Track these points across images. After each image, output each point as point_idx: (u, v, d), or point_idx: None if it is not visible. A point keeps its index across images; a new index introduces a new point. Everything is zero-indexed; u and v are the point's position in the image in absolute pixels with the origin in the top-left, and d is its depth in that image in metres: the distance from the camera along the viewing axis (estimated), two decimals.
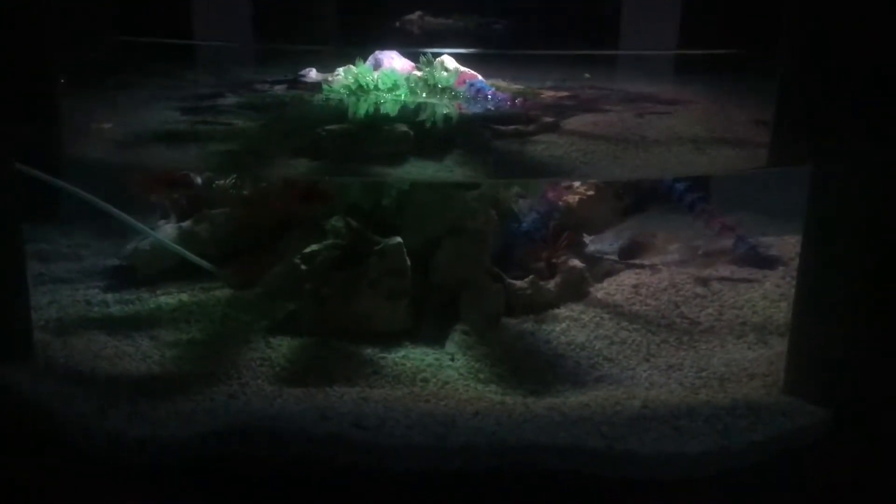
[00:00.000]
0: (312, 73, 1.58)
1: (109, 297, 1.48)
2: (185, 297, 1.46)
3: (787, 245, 1.72)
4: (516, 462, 1.01)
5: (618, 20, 1.77)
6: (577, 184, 1.52)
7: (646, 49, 1.54)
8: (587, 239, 1.60)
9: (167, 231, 1.52)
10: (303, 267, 1.32)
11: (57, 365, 1.22)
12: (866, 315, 1.12)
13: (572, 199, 1.51)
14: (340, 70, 1.42)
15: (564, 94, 1.49)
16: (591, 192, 1.52)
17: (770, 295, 1.53)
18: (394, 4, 1.79)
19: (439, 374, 1.24)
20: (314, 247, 1.33)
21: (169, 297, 1.47)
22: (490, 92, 1.39)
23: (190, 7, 1.71)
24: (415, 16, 1.82)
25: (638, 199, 1.57)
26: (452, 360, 1.28)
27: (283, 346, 1.28)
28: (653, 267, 1.62)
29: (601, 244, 1.68)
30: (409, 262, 1.31)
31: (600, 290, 1.52)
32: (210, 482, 1.01)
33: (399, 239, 1.30)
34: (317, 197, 1.35)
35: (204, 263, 1.49)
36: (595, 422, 1.09)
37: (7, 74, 1.11)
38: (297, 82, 1.53)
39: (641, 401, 1.17)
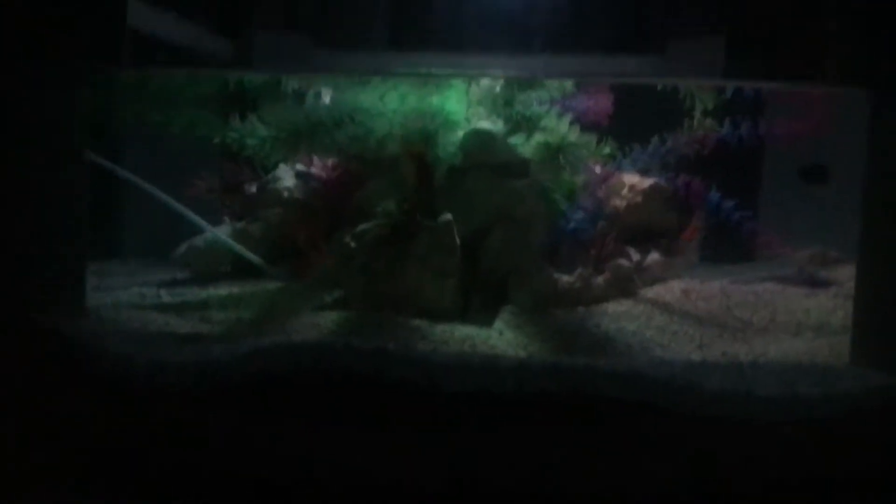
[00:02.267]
0: None
1: (163, 291, 1.50)
2: (235, 289, 1.48)
3: (840, 272, 1.69)
4: (571, 386, 0.97)
5: None
6: (623, 190, 1.54)
7: None
8: (633, 251, 1.59)
9: (222, 231, 1.56)
10: (352, 245, 1.33)
11: (108, 322, 1.23)
12: None
13: (620, 202, 1.52)
14: None
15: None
16: (638, 199, 1.53)
17: (825, 305, 1.49)
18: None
19: (488, 342, 1.22)
20: (364, 225, 1.35)
21: (220, 290, 1.49)
22: None
23: None
24: None
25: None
26: (501, 334, 1.25)
27: (331, 317, 1.28)
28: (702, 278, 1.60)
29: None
30: (458, 241, 1.32)
31: (649, 292, 1.50)
32: (253, 400, 0.98)
33: (449, 216, 1.31)
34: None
35: (255, 258, 1.51)
36: (653, 365, 1.05)
37: None
38: None
39: (699, 359, 1.13)
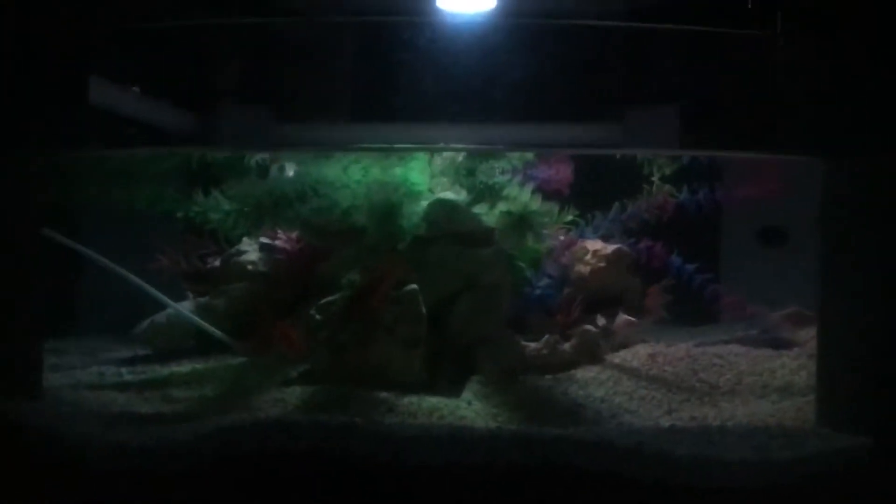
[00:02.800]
0: None
1: (123, 370, 1.47)
2: (198, 366, 1.45)
3: (802, 331, 1.71)
4: (541, 456, 0.96)
5: None
6: (587, 256, 1.55)
7: None
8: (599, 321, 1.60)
9: (185, 306, 1.54)
10: (318, 317, 1.32)
11: (65, 404, 1.20)
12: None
13: (584, 269, 1.53)
14: None
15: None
16: (602, 265, 1.55)
17: (789, 365, 1.50)
18: None
19: (456, 412, 1.20)
20: (329, 298, 1.34)
21: (182, 368, 1.46)
22: None
23: None
24: None
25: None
26: (469, 404, 1.24)
27: (297, 392, 1.26)
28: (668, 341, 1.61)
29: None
30: (424, 310, 1.32)
31: (616, 358, 1.50)
32: (218, 481, 0.95)
33: (415, 286, 1.31)
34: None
35: (219, 333, 1.49)
36: (622, 433, 1.05)
37: None
38: None
39: (669, 426, 1.13)
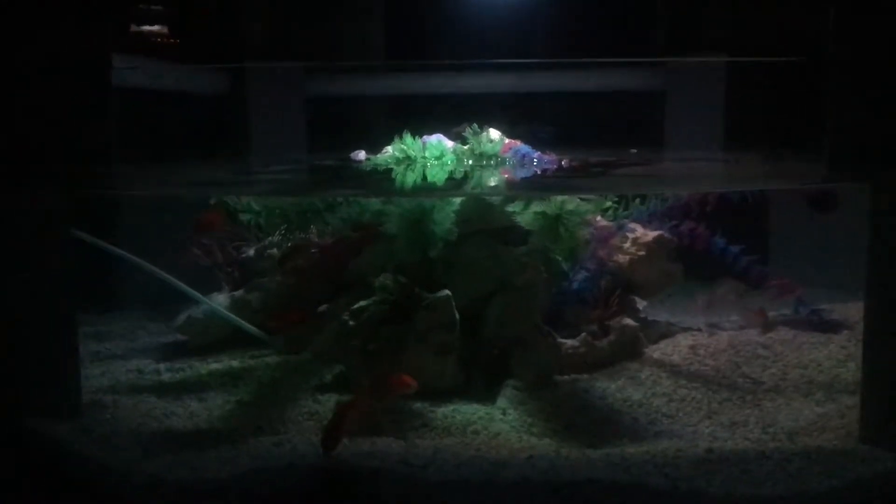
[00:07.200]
0: (361, 154, 1.63)
1: (161, 366, 1.49)
2: (235, 363, 1.46)
3: (851, 311, 1.65)
4: (573, 500, 0.95)
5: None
6: (626, 244, 1.50)
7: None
8: (639, 304, 1.56)
9: (220, 300, 1.54)
10: (350, 323, 1.31)
11: (104, 421, 1.21)
12: None
13: (623, 258, 1.49)
14: (389, 147, 1.47)
15: (611, 159, 1.49)
16: (641, 253, 1.50)
17: (836, 355, 1.46)
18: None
19: (490, 426, 1.19)
20: (362, 303, 1.32)
21: (219, 364, 1.47)
22: (536, 155, 1.41)
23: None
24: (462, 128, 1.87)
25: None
26: (504, 414, 1.23)
27: (330, 402, 1.26)
28: (710, 329, 1.57)
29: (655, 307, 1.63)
30: (457, 316, 1.29)
31: (656, 351, 1.47)
32: None
33: (447, 292, 1.29)
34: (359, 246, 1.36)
35: (255, 330, 1.49)
36: (657, 464, 1.03)
37: None
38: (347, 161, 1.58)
39: (706, 448, 1.11)
